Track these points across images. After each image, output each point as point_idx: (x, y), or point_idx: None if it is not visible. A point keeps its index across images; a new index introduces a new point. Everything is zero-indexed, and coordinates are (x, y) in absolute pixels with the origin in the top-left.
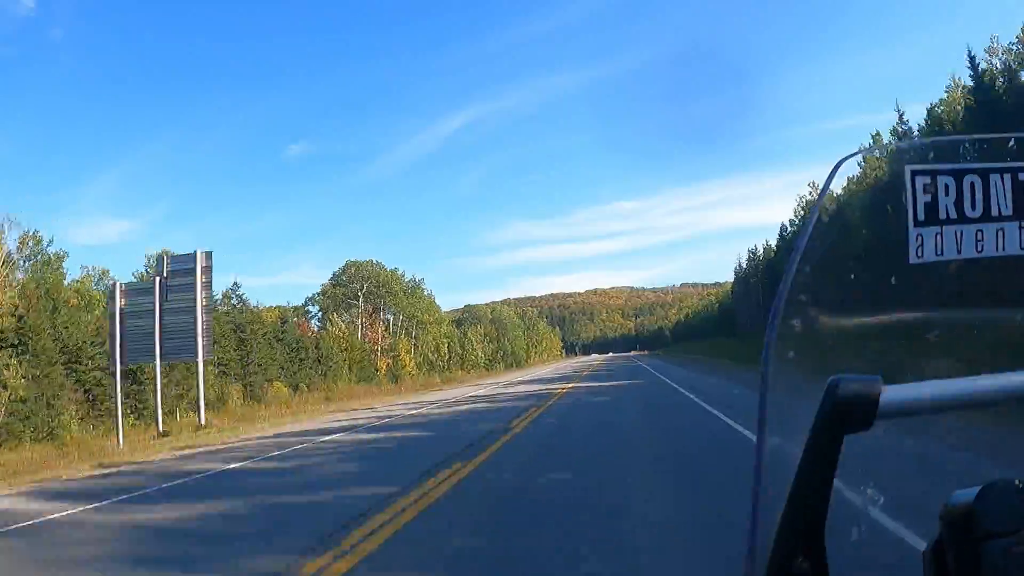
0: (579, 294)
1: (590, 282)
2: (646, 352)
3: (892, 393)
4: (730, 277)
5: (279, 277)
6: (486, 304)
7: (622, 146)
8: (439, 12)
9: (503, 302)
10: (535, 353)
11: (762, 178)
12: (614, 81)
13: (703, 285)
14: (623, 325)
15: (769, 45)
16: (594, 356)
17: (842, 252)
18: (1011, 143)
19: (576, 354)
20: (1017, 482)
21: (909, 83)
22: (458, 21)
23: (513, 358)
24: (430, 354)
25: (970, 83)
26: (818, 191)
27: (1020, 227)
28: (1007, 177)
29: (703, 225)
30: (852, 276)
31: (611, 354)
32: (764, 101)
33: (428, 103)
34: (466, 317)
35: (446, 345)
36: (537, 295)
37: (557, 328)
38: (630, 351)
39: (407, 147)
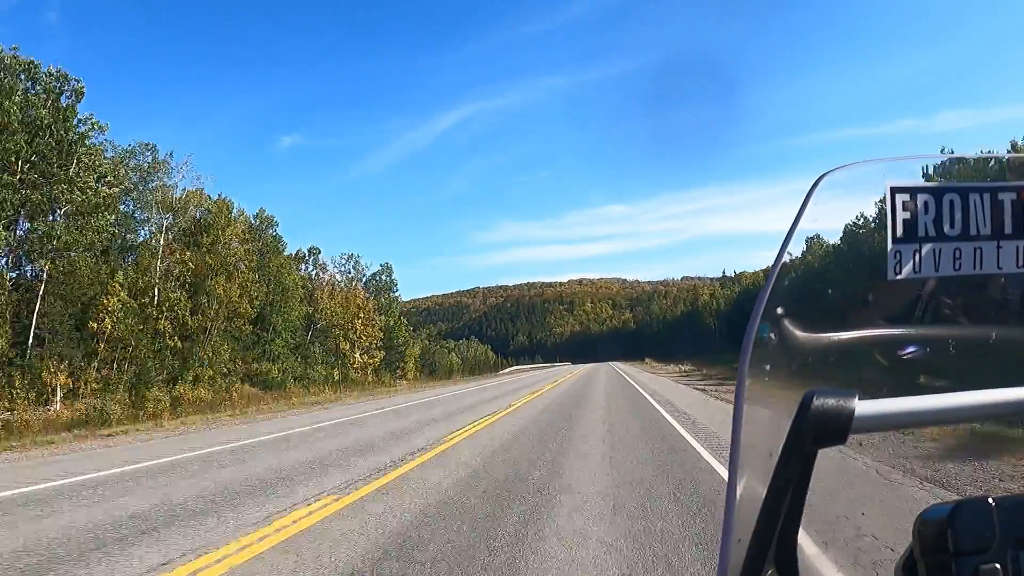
0: (560, 284)
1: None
2: (684, 376)
3: (867, 408)
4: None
5: None
6: None
7: (614, 152)
8: (436, 12)
9: (471, 291)
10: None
11: (759, 187)
12: (607, 87)
13: (711, 279)
14: (614, 317)
15: (762, 58)
16: (529, 372)
17: (822, 266)
18: (992, 163)
19: (535, 360)
20: (990, 500)
21: (902, 99)
22: (454, 22)
23: None
24: None
25: None
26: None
27: (998, 246)
28: (986, 196)
29: (697, 230)
30: (830, 291)
31: (568, 367)
32: (760, 112)
33: (421, 101)
34: None
35: None
36: (510, 284)
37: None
38: (632, 360)
39: (398, 144)
